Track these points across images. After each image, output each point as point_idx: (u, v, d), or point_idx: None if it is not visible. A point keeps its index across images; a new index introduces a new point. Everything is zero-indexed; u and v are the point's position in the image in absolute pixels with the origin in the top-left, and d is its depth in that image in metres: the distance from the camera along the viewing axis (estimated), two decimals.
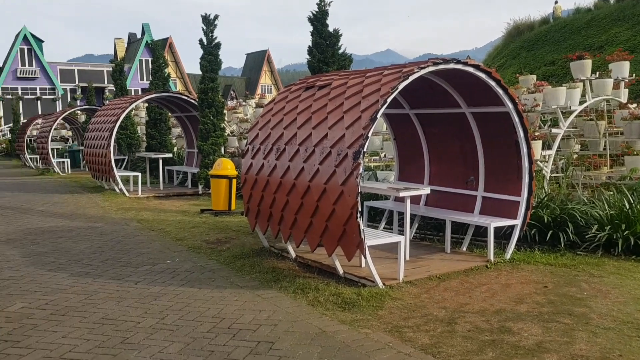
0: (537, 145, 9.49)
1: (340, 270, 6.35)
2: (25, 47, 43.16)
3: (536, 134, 9.77)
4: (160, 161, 14.85)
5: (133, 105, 14.63)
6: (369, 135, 5.72)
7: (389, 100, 5.77)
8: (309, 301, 5.63)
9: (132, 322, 5.08)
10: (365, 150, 5.76)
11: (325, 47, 9.88)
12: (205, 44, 13.76)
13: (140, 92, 40.51)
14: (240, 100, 24.06)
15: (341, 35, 10.03)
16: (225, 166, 11.24)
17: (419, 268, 6.65)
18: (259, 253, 7.78)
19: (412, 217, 8.15)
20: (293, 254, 7.26)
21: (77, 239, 9.01)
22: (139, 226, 10.08)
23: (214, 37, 13.81)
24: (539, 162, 9.60)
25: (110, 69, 25.47)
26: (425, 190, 7.06)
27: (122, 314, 5.33)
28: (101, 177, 14.69)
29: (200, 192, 14.20)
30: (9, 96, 41.48)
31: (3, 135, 38.77)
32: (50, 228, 9.90)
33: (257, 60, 67.56)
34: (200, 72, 14.15)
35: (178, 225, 10.14)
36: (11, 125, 36.02)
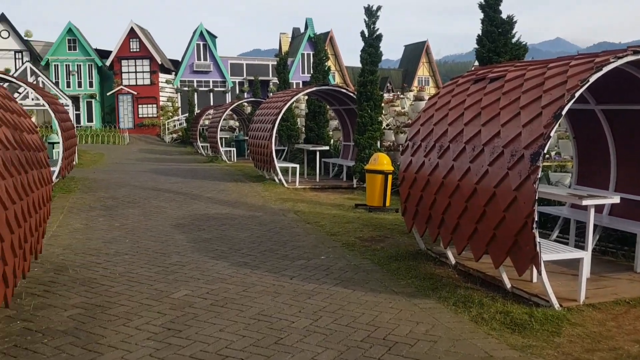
0: None
1: (508, 284, 5.70)
2: (201, 43, 46.92)
3: None
4: (318, 153, 15.03)
5: (294, 99, 14.95)
6: (551, 134, 5.00)
7: (577, 94, 5.00)
8: (471, 317, 5.10)
9: (287, 321, 4.98)
10: (544, 151, 5.05)
11: (496, 36, 9.08)
12: (366, 36, 13.56)
13: (301, 85, 41.87)
14: (398, 92, 23.64)
15: (515, 22, 9.14)
16: (381, 161, 10.96)
17: (603, 289, 5.75)
18: (415, 256, 7.36)
19: (593, 227, 7.14)
20: (453, 260, 6.74)
21: (239, 227, 9.32)
22: (296, 218, 10.20)
23: (375, 28, 13.56)
24: None
25: (275, 62, 26.53)
26: (613, 199, 6.08)
27: (277, 310, 5.26)
28: (262, 167, 15.27)
29: (354, 186, 14.12)
30: (186, 88, 45.41)
31: (180, 124, 42.56)
32: (215, 215, 10.41)
33: (415, 52, 66.37)
34: (358, 65, 14.01)
35: (332, 219, 10.07)
36: (187, 115, 39.39)
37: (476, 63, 9.98)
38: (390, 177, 10.93)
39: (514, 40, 9.11)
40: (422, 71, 65.42)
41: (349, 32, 14.01)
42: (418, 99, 16.06)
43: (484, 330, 4.79)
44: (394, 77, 63.96)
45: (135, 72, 44.23)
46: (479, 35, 9.42)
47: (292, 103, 19.11)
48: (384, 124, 17.33)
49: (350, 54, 13.41)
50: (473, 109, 6.27)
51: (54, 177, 12.82)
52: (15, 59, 42.25)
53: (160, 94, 44.76)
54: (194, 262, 7.07)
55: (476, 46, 9.45)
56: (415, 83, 59.90)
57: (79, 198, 12.05)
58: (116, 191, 13.24)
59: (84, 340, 4.49)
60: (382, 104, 14.90)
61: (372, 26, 13.51)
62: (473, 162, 5.87)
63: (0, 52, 41.17)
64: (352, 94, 14.61)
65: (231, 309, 5.29)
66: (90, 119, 44.38)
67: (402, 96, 20.00)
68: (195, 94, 44.04)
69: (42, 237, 6.21)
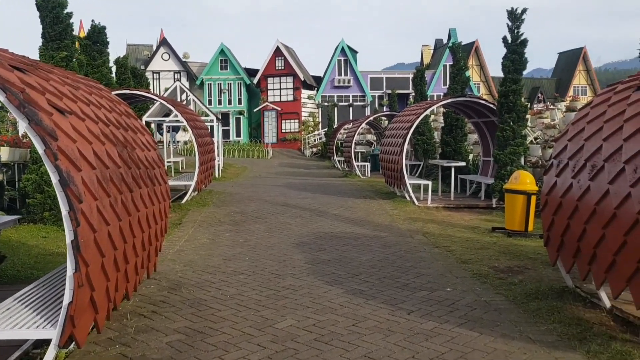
0: None
1: None
2: (342, 59, 47.53)
3: None
4: (453, 169, 14.03)
5: (427, 111, 14.13)
6: None
7: None
8: None
9: None
10: None
11: None
12: (509, 41, 12.39)
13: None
14: (548, 103, 21.68)
15: None
16: (523, 180, 9.78)
17: None
18: (559, 294, 6.25)
19: None
20: (607, 303, 5.57)
21: (361, 248, 8.79)
22: (423, 240, 9.42)
23: (519, 33, 12.34)
24: None
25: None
26: None
27: (386, 353, 4.61)
28: (393, 183, 14.62)
29: (493, 206, 12.91)
30: (326, 103, 46.21)
31: (320, 139, 43.35)
32: (338, 234, 9.98)
33: (571, 60, 61.35)
34: None
35: (465, 243, 9.13)
36: (326, 129, 39.97)
37: None
38: (534, 198, 9.71)
39: None
40: (579, 80, 60.33)
41: (498, 43, 12.79)
42: (570, 109, 14.39)
43: None
44: (546, 87, 59.69)
45: (280, 89, 45.97)
46: None
47: (427, 116, 18.32)
48: (530, 138, 15.82)
49: (499, 65, 12.24)
50: (635, 122, 5.12)
51: (189, 192, 13.31)
52: (174, 79, 46.08)
53: (302, 109, 46.01)
54: (307, 286, 6.64)
55: None
56: (570, 93, 55.32)
57: (211, 212, 12.35)
58: (247, 206, 13.40)
59: None
60: (529, 116, 13.55)
61: (515, 31, 12.32)
62: (635, 186, 4.75)
63: (162, 72, 45.22)
64: (492, 106, 13.45)
65: (335, 347, 4.74)
66: (238, 134, 46.92)
67: (552, 107, 18.18)
68: (335, 108, 44.61)
69: (155, 255, 6.17)
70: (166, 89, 25.71)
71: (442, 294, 6.37)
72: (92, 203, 3.84)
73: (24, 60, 4.37)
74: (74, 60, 11.43)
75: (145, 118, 19.92)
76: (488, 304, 5.99)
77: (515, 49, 12.34)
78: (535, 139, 16.33)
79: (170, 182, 13.68)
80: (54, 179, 3.55)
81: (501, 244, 9.15)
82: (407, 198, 13.72)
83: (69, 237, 3.56)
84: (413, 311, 5.73)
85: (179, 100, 23.00)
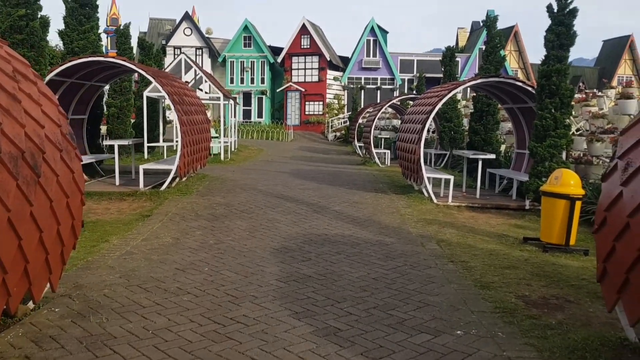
0: None
1: None
2: (372, 39, 45.13)
3: None
4: (480, 162, 12.02)
5: (452, 93, 12.10)
6: None
7: None
8: None
9: None
10: None
11: None
12: (555, 10, 10.27)
13: None
14: (595, 90, 19.33)
15: None
16: (566, 181, 7.79)
17: None
18: (618, 352, 4.37)
19: None
20: None
21: (356, 259, 6.99)
22: (436, 251, 7.55)
23: (568, 1, 10.21)
24: None
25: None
26: None
27: None
28: (410, 175, 12.68)
29: (526, 207, 10.91)
30: (352, 86, 44.09)
31: (344, 122, 41.33)
32: (333, 237, 8.18)
33: (616, 48, 57.66)
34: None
35: (488, 259, 7.24)
36: (350, 113, 37.97)
37: None
38: (578, 204, 7.73)
39: None
40: (624, 69, 56.87)
41: (540, 28, 10.74)
42: (625, 96, 12.15)
43: None
44: (588, 76, 56.31)
45: (305, 68, 44.04)
46: None
47: (456, 101, 16.31)
48: (574, 128, 13.67)
49: (539, 53, 10.17)
50: None
51: (169, 178, 11.61)
52: (196, 55, 44.54)
53: (327, 91, 44.03)
54: (265, 319, 4.88)
55: None
56: (615, 82, 51.99)
57: (191, 202, 10.63)
58: (236, 196, 11.63)
59: None
60: (572, 103, 11.43)
61: None
62: None
63: (183, 48, 43.64)
64: (530, 89, 11.37)
65: None
66: (260, 115, 45.27)
67: (600, 94, 15.89)
68: (362, 91, 42.54)
69: (49, 272, 4.47)
70: (169, 64, 23.98)
71: (450, 340, 4.54)
72: None
73: None
74: (37, 19, 9.80)
75: (146, 93, 18.33)
76: None
77: (561, 20, 10.20)
78: (578, 130, 14.18)
79: (151, 166, 12.06)
80: None
81: (534, 261, 7.22)
82: (425, 194, 11.77)
83: None
84: None
85: (184, 78, 21.26)
